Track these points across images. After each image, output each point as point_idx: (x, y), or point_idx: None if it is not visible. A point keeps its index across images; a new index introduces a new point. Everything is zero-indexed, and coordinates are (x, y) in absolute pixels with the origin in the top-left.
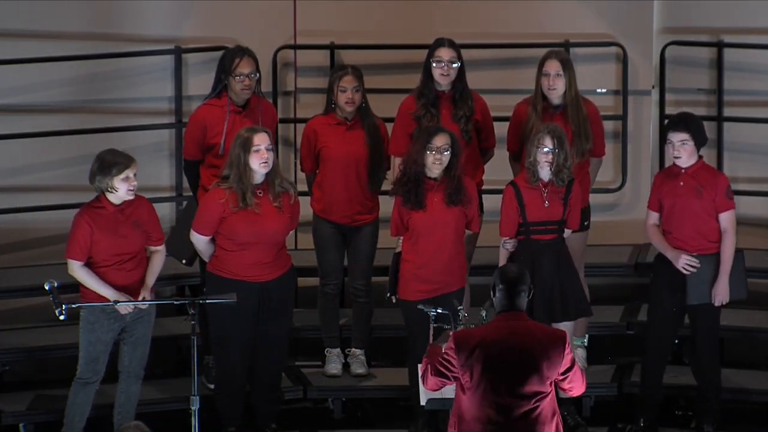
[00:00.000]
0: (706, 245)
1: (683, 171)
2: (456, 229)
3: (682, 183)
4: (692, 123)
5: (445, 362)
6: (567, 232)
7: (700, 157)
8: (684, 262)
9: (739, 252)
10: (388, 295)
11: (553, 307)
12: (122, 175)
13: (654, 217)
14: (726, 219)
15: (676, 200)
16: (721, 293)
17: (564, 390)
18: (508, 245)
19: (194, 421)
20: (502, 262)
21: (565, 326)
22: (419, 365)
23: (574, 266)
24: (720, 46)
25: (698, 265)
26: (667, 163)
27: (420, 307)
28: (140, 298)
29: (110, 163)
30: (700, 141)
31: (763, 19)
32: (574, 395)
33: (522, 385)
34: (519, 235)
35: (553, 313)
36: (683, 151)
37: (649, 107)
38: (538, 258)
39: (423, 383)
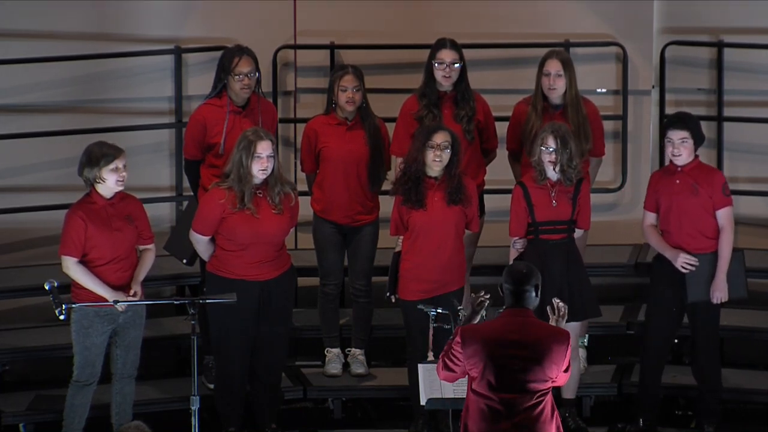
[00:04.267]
0: (705, 243)
1: (679, 169)
2: (456, 228)
3: (678, 181)
4: (691, 121)
5: (452, 356)
6: (579, 232)
7: (696, 156)
8: (683, 261)
9: (738, 251)
10: (388, 294)
11: None
12: (111, 166)
13: (651, 217)
14: (723, 216)
15: (672, 199)
16: (720, 290)
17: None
18: (517, 245)
19: (194, 421)
20: (512, 262)
21: (572, 327)
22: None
23: (584, 266)
24: (720, 46)
25: (697, 264)
26: (667, 163)
27: (420, 307)
28: (132, 293)
29: (98, 155)
30: (698, 140)
31: (763, 19)
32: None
33: (525, 381)
34: (528, 234)
35: None
36: (683, 149)
37: (649, 107)
38: (547, 258)
39: (438, 375)
